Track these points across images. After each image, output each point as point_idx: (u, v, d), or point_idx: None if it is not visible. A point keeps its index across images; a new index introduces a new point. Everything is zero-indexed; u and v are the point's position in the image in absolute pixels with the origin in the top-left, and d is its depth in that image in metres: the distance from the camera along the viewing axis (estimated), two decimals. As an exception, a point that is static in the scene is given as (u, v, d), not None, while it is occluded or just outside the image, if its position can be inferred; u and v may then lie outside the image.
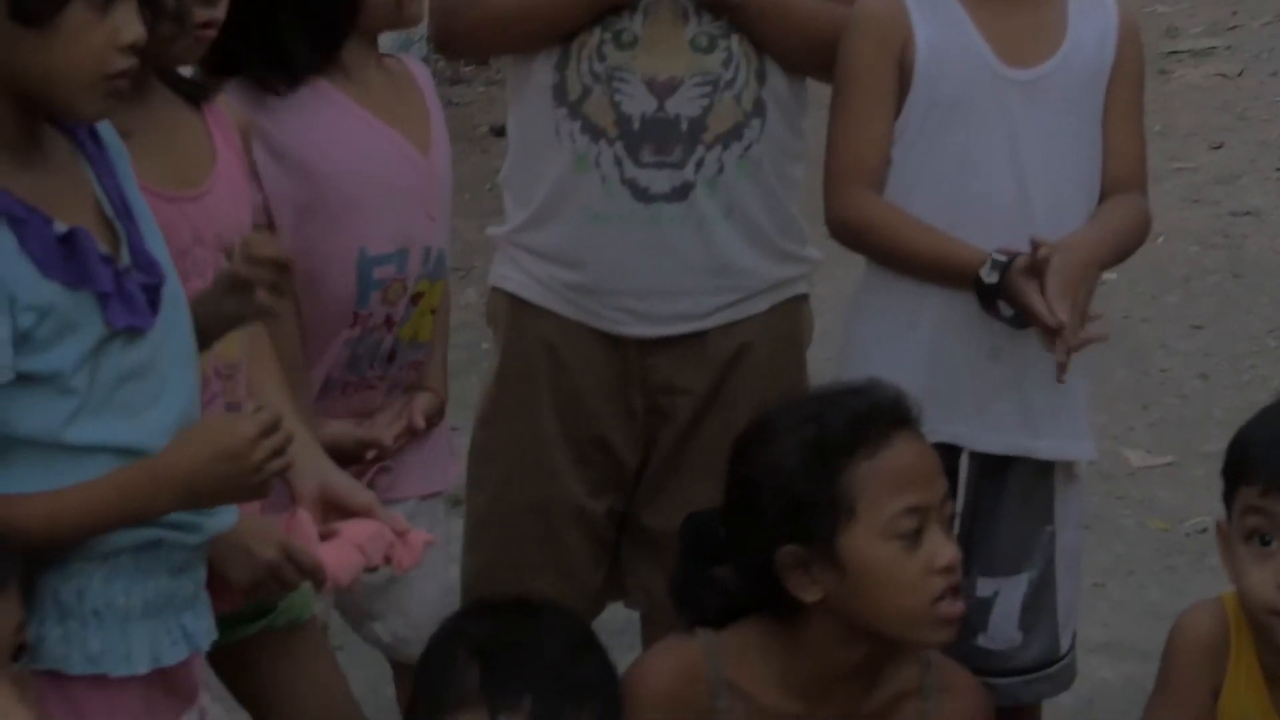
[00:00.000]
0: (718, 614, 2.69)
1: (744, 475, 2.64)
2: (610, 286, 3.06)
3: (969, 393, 2.95)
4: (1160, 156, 7.48)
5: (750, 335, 3.12)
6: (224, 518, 2.36)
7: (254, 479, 2.25)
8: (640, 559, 3.18)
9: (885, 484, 2.56)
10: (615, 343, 3.09)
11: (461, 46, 3.40)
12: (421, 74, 3.19)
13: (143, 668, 2.27)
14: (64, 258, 2.17)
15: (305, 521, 2.54)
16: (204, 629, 2.39)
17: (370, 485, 2.98)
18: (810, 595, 2.58)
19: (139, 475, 2.21)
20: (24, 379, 2.16)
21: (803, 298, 3.22)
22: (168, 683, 2.34)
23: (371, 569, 2.59)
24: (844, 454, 2.57)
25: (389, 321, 3.05)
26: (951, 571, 2.57)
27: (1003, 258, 2.84)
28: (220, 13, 2.60)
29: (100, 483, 2.20)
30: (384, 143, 3.01)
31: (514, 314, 3.15)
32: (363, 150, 2.98)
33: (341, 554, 2.53)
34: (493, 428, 3.18)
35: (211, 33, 2.60)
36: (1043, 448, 2.99)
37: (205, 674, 2.51)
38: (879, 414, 2.61)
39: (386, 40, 3.18)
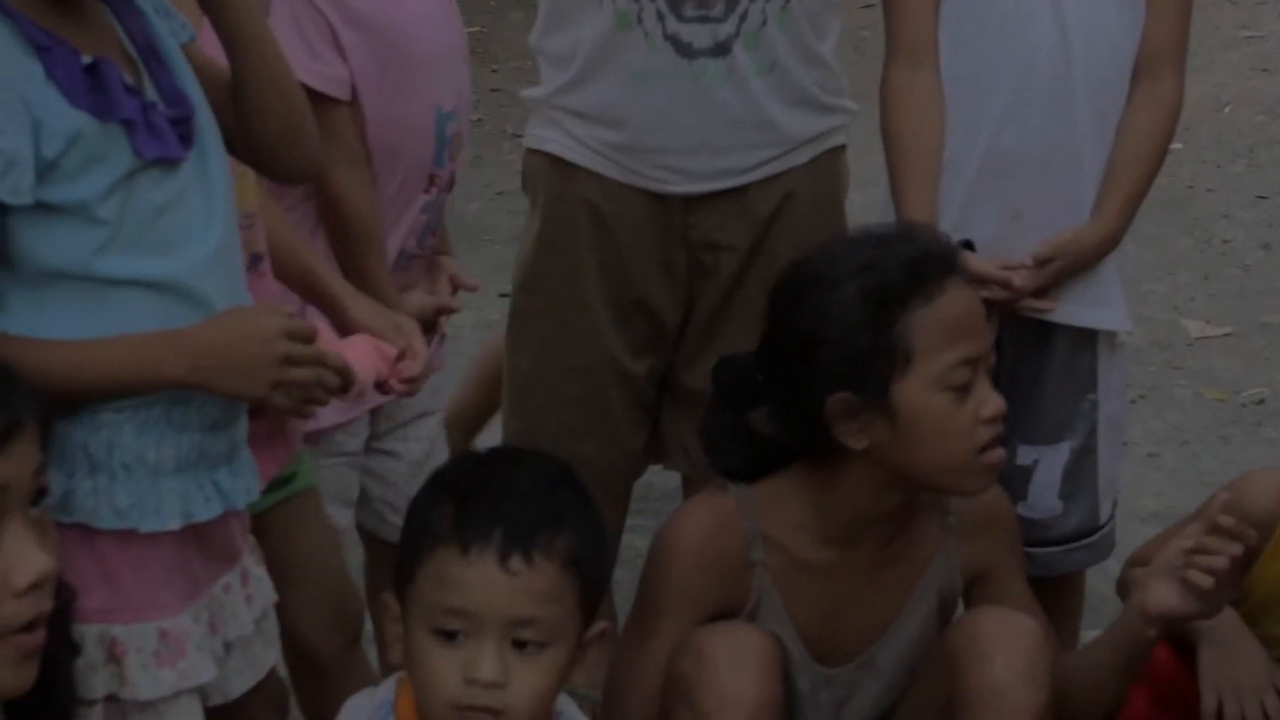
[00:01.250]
0: (747, 463, 2.70)
1: (792, 323, 2.63)
2: (653, 144, 3.05)
3: (991, 253, 2.94)
4: (1230, 24, 7.40)
5: (792, 187, 3.12)
6: None
7: (271, 372, 2.25)
8: (681, 420, 3.19)
9: (942, 333, 2.56)
10: (658, 201, 3.09)
11: None
12: None
13: (173, 523, 2.26)
14: (90, 88, 2.16)
15: (324, 329, 2.54)
16: (241, 488, 2.37)
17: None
18: (857, 443, 2.58)
19: (154, 337, 2.21)
20: (53, 209, 2.15)
21: (841, 148, 3.22)
22: (204, 542, 2.33)
23: (381, 383, 2.61)
24: (901, 302, 2.56)
25: (451, 181, 3.07)
26: (997, 421, 2.57)
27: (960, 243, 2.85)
28: None
29: (118, 339, 2.20)
30: None
31: (554, 175, 3.14)
32: (420, 4, 2.99)
33: (362, 353, 2.53)
34: (533, 293, 3.19)
35: None
36: (1068, 313, 2.98)
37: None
38: (933, 261, 2.60)
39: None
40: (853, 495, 2.64)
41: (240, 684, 2.42)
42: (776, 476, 2.70)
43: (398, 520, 3.11)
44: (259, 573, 2.48)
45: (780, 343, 2.64)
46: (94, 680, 2.23)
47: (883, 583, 2.72)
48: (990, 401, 2.57)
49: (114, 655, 2.25)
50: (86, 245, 2.17)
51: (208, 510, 2.31)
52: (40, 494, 1.83)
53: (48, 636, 1.87)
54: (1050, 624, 2.80)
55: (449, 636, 2.28)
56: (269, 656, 2.49)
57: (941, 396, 2.55)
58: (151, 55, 2.29)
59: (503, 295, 3.43)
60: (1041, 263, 2.92)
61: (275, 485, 2.70)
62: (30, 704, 1.89)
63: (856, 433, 2.58)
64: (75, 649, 2.03)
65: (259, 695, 2.47)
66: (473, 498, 2.31)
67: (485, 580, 2.26)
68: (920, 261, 2.58)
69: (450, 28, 3.06)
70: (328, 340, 2.53)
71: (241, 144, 2.39)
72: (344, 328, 2.74)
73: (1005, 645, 2.58)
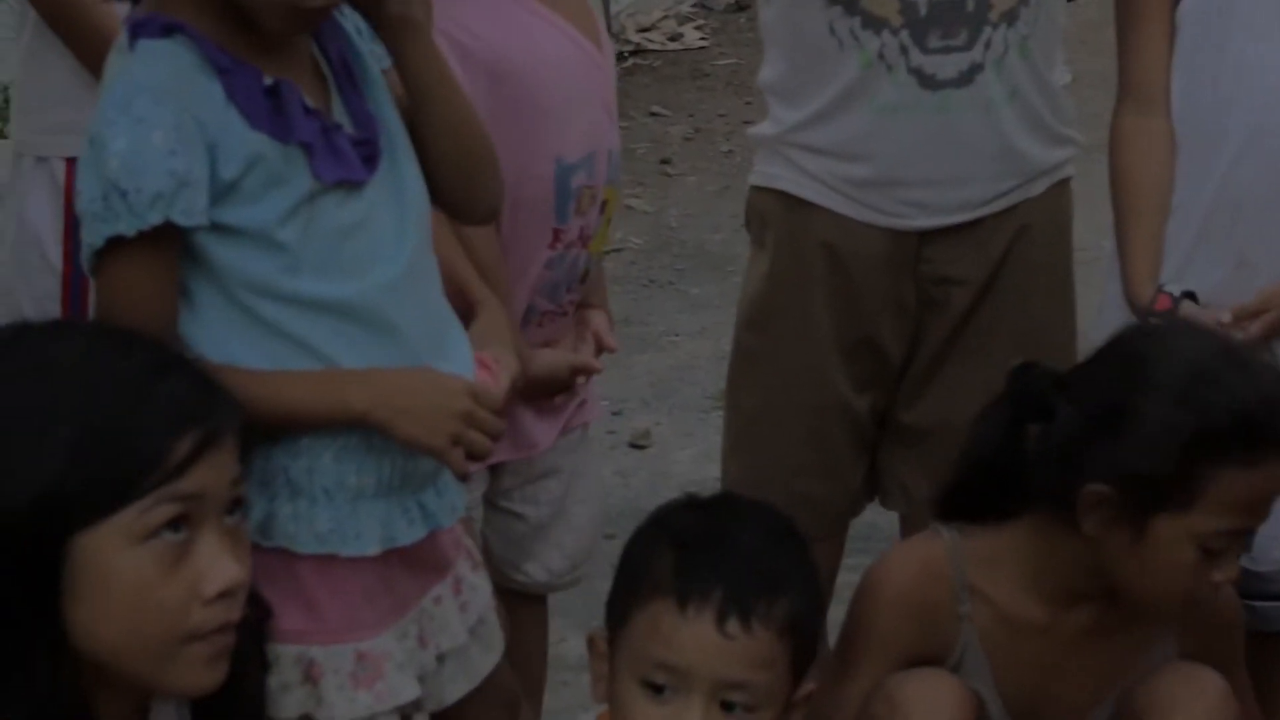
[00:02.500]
0: (979, 492, 2.64)
1: (1107, 385, 2.54)
2: (896, 178, 3.01)
3: (1215, 302, 2.86)
4: None
5: (1027, 220, 3.07)
6: (458, 369, 2.33)
7: (452, 425, 2.24)
8: (900, 458, 3.14)
9: (1236, 502, 2.47)
10: (894, 236, 3.04)
11: None
12: None
13: (373, 548, 2.26)
14: (271, 110, 2.18)
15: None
16: (447, 506, 2.36)
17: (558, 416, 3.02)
18: (1090, 530, 2.52)
19: (341, 373, 2.22)
20: (235, 232, 2.16)
21: (1069, 180, 3.16)
22: (410, 559, 2.33)
23: None
24: (1218, 454, 2.45)
25: (583, 236, 2.99)
26: (1225, 585, 2.54)
27: (1176, 293, 2.78)
28: None
29: (307, 373, 2.21)
30: (562, 37, 2.92)
31: (786, 213, 3.09)
32: (545, 46, 2.89)
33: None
34: (762, 331, 3.14)
35: None
36: None
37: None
38: (1270, 423, 2.48)
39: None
40: (1074, 565, 2.58)
41: (455, 691, 2.42)
42: (996, 529, 2.64)
43: (520, 576, 3.13)
44: (474, 579, 2.47)
45: (1090, 389, 2.57)
46: (289, 700, 2.24)
47: (1095, 653, 2.64)
48: (1231, 569, 2.51)
49: (310, 676, 2.26)
50: (270, 267, 2.18)
51: (410, 534, 2.31)
52: (236, 504, 1.85)
53: (239, 644, 1.88)
54: (1268, 688, 2.71)
55: (657, 689, 2.25)
56: (487, 661, 2.48)
57: (1192, 550, 2.48)
58: (346, 77, 2.29)
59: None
60: (1248, 316, 2.83)
61: None
62: (218, 709, 1.90)
63: (1097, 523, 2.52)
64: (266, 663, 2.04)
65: (484, 698, 2.47)
66: (694, 550, 2.28)
67: (700, 641, 2.24)
68: (1255, 418, 2.46)
69: (587, 75, 2.94)
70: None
71: (424, 179, 2.38)
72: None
73: (1187, 703, 2.52)
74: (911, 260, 3.05)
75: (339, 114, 2.26)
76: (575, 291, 3.03)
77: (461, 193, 2.40)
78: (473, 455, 2.29)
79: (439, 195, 2.39)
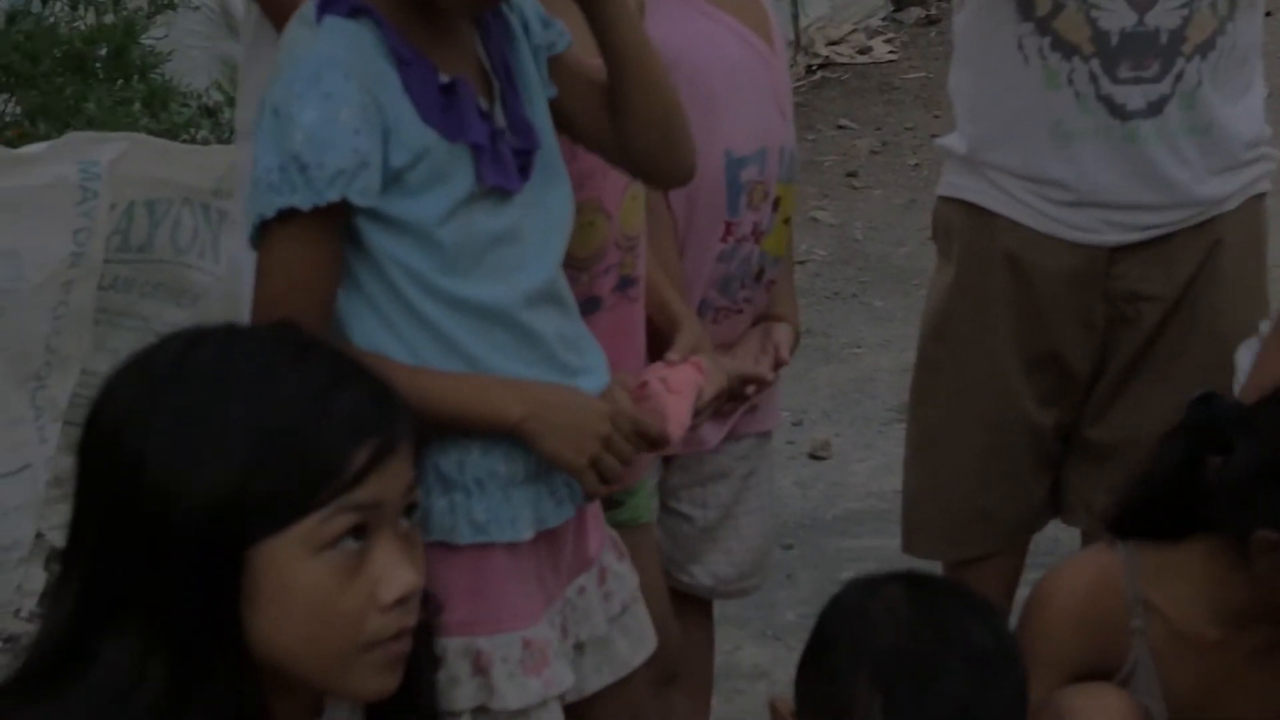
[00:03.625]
0: (1157, 513, 2.59)
1: None
2: (1083, 198, 2.98)
3: None
4: None
5: (1220, 234, 3.01)
6: (591, 380, 2.34)
7: (593, 446, 2.25)
8: (1084, 474, 3.08)
9: None
10: (1081, 251, 3.00)
11: None
12: None
13: (527, 533, 2.27)
14: (444, 107, 2.17)
15: (659, 391, 2.49)
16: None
17: (728, 421, 2.99)
18: (1263, 574, 2.48)
19: (499, 381, 2.23)
20: (394, 224, 2.16)
21: (1264, 195, 3.09)
22: (557, 548, 2.34)
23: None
24: None
25: (756, 232, 2.97)
26: None
27: None
28: None
29: (466, 377, 2.22)
30: (730, 34, 2.91)
31: (971, 224, 3.07)
32: (713, 42, 2.89)
33: (683, 409, 2.49)
34: (945, 341, 3.12)
35: None
36: None
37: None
38: None
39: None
40: (1246, 589, 2.53)
41: (597, 681, 2.42)
42: (1172, 546, 2.59)
43: (685, 578, 3.10)
44: (620, 568, 2.47)
45: (1272, 431, 2.51)
46: (460, 693, 2.25)
47: (1267, 673, 2.59)
48: None
49: (479, 667, 2.26)
50: (427, 263, 2.18)
51: (559, 514, 2.32)
52: (411, 508, 1.86)
53: (413, 646, 1.89)
54: None
55: None
56: (636, 653, 2.48)
57: None
58: (507, 80, 2.29)
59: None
60: None
61: (605, 506, 2.66)
62: (392, 708, 1.92)
63: (1268, 566, 2.47)
64: (438, 659, 2.05)
65: (615, 699, 2.46)
66: (901, 698, 2.16)
67: None
68: None
69: (757, 71, 2.93)
70: (658, 390, 2.50)
71: (618, 150, 2.38)
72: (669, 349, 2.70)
73: None
74: (1100, 276, 3.01)
75: (500, 119, 2.26)
76: (749, 288, 3.01)
77: (661, 153, 2.37)
78: (605, 478, 2.30)
79: (639, 160, 2.39)
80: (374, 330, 2.20)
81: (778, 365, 3.04)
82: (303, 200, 2.09)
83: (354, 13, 2.16)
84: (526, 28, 2.33)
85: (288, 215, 2.10)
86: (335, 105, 2.09)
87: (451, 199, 2.18)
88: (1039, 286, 3.01)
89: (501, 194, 2.22)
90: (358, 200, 2.11)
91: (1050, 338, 3.03)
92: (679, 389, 2.50)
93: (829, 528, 4.65)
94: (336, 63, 2.11)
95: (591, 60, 2.37)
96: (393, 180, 2.14)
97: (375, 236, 2.16)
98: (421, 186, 2.16)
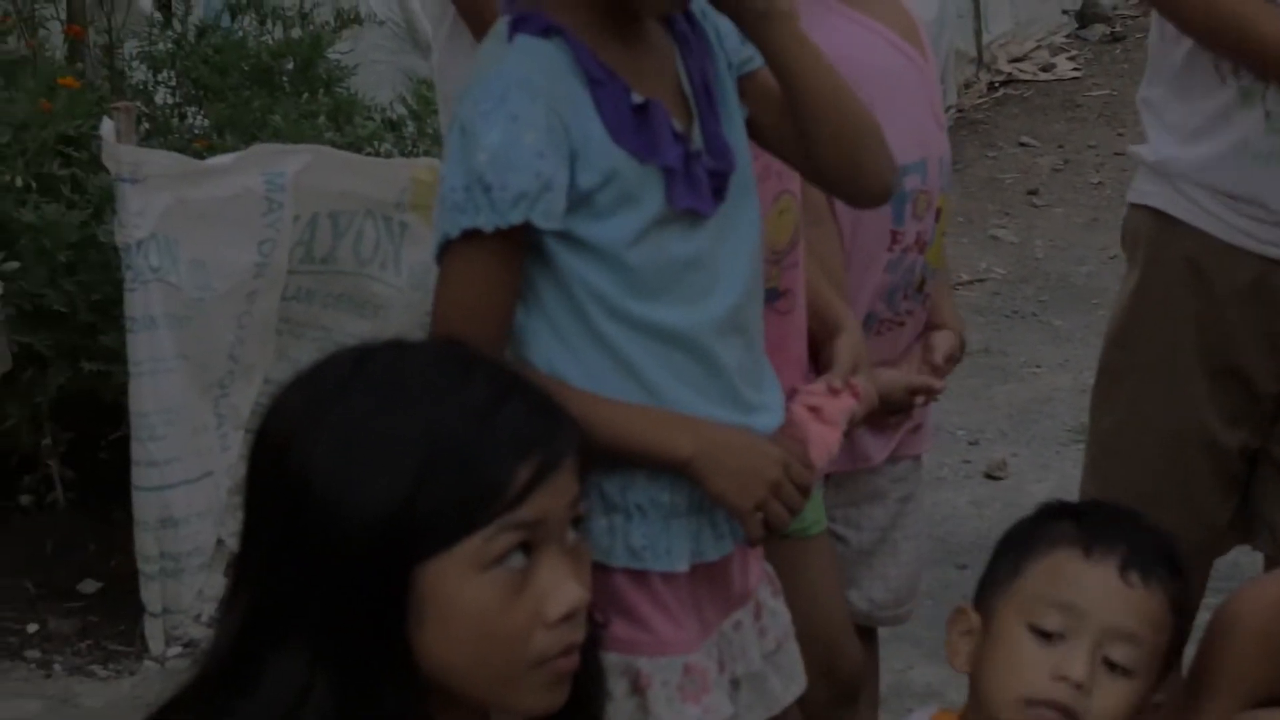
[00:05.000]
0: None
1: None
2: (1266, 217, 2.94)
3: None
4: None
5: None
6: (768, 417, 2.31)
7: (760, 491, 2.23)
8: (1273, 499, 3.03)
9: None
10: (1268, 265, 2.95)
11: None
12: None
13: (682, 565, 2.25)
14: (636, 127, 2.15)
15: (802, 416, 2.46)
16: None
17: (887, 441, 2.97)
18: None
19: (673, 415, 2.21)
20: (582, 245, 2.15)
21: None
22: (715, 579, 2.32)
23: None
24: None
25: (920, 241, 2.94)
26: None
27: None
28: None
29: (640, 408, 2.20)
30: (885, 43, 2.90)
31: (1156, 230, 3.02)
32: (869, 52, 2.85)
33: (825, 436, 2.48)
34: (1126, 348, 3.08)
35: None
36: None
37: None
38: None
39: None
40: None
41: (750, 718, 2.39)
42: None
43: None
44: (775, 605, 2.45)
45: None
46: (616, 711, 2.22)
47: None
48: None
49: (637, 687, 2.26)
50: (613, 285, 2.17)
51: (718, 549, 2.29)
52: (576, 522, 1.85)
53: (580, 661, 1.89)
54: None
55: (1045, 636, 2.23)
56: (788, 691, 2.46)
57: None
58: (706, 97, 2.25)
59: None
60: None
61: None
62: None
63: None
64: (603, 675, 2.05)
65: None
66: (1094, 518, 2.30)
67: (1103, 582, 2.23)
68: None
69: (912, 79, 2.91)
70: (802, 419, 2.47)
71: (809, 168, 2.35)
72: (828, 356, 2.69)
73: None
74: None
75: (696, 139, 2.23)
76: (912, 300, 2.99)
77: (850, 171, 2.32)
78: (770, 525, 2.27)
79: (833, 180, 2.35)
80: (552, 350, 2.19)
81: (936, 371, 3.02)
82: (486, 221, 2.09)
83: (546, 31, 2.14)
84: (722, 43, 2.30)
85: (471, 235, 2.10)
86: (520, 127, 2.08)
87: (641, 221, 2.16)
88: (1221, 296, 2.97)
89: (694, 217, 2.19)
90: (541, 223, 2.10)
91: (1233, 351, 2.98)
92: (833, 419, 2.48)
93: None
94: (524, 83, 2.10)
95: None
96: (581, 201, 2.13)
97: (563, 256, 2.15)
98: (610, 208, 2.15)
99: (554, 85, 2.11)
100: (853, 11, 2.89)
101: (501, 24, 2.18)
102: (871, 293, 2.92)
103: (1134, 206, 3.09)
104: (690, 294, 2.20)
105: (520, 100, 2.09)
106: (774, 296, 2.62)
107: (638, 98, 2.15)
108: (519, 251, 2.14)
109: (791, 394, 2.48)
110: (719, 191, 2.21)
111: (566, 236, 2.14)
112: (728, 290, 2.24)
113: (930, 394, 2.97)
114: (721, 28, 2.29)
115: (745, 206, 2.27)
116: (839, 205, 2.79)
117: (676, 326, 2.20)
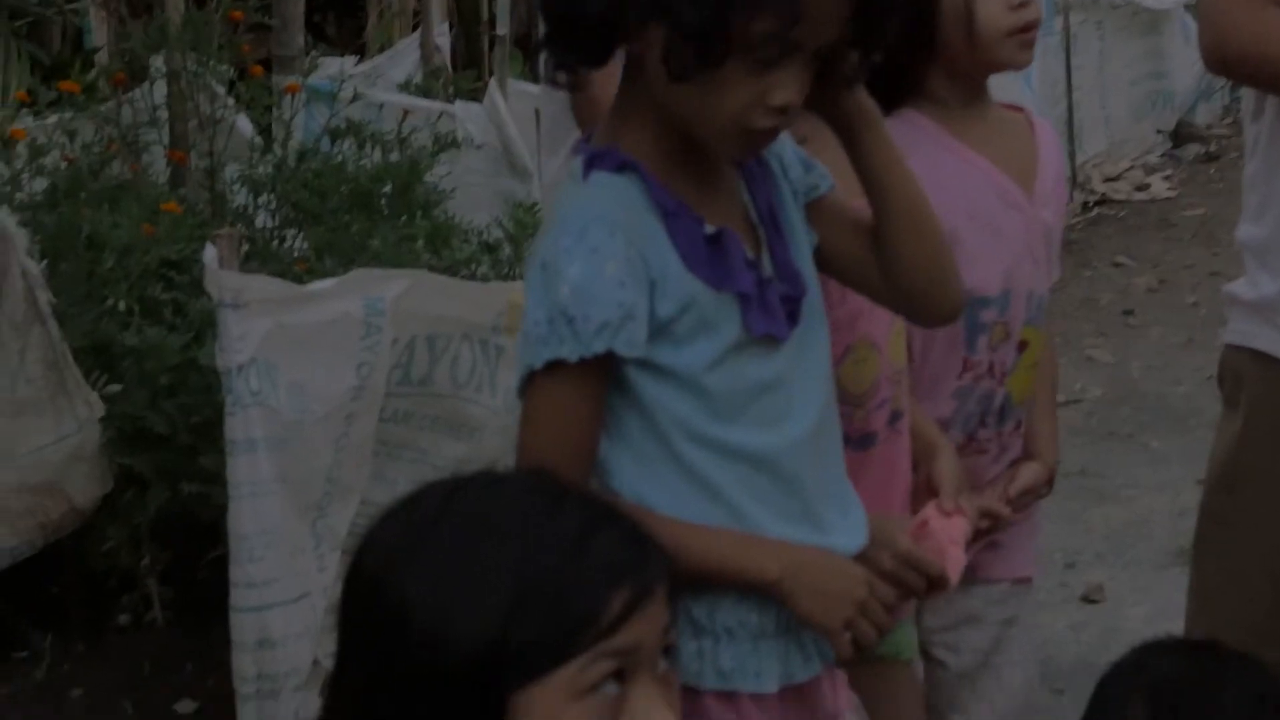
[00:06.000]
0: None
1: None
2: None
3: None
4: None
5: None
6: (850, 538, 2.33)
7: (847, 610, 2.24)
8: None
9: None
10: None
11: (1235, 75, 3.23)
12: (1045, 131, 3.09)
13: (772, 686, 2.27)
14: (710, 256, 2.19)
15: (939, 530, 2.47)
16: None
17: (972, 562, 2.95)
18: None
19: (758, 539, 2.24)
20: (662, 372, 2.19)
21: None
22: (803, 701, 2.33)
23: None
24: None
25: (994, 370, 2.96)
26: None
27: None
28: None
29: (725, 532, 2.23)
30: (980, 176, 2.93)
31: (1260, 373, 3.01)
32: (958, 182, 2.89)
33: (955, 556, 2.48)
34: (1233, 493, 3.06)
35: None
36: None
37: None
38: None
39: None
40: None
41: None
42: None
43: None
44: None
45: None
46: None
47: None
48: None
49: None
50: (695, 411, 2.20)
51: (806, 670, 2.31)
52: (668, 649, 1.86)
53: None
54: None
55: None
56: None
57: None
58: (773, 225, 2.30)
59: (1199, 482, 3.34)
60: None
61: None
62: None
63: None
64: None
65: None
66: (1169, 705, 2.18)
67: None
68: None
69: (1006, 218, 2.94)
70: (937, 530, 2.48)
71: (884, 288, 2.37)
72: (928, 475, 2.69)
73: None
74: None
75: (767, 266, 2.27)
76: (991, 428, 3.00)
77: (924, 286, 2.35)
78: (858, 643, 2.29)
79: (905, 297, 2.37)
80: (636, 478, 2.22)
81: (1012, 501, 3.00)
82: (570, 352, 2.13)
83: (621, 168, 2.20)
84: (786, 173, 2.35)
85: (554, 366, 2.14)
86: (601, 260, 2.13)
87: (719, 347, 2.20)
88: None
89: (771, 341, 2.24)
90: (624, 351, 2.14)
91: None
92: (956, 539, 2.49)
93: (1103, 673, 4.57)
94: (602, 218, 2.15)
95: (855, 201, 2.38)
96: (660, 330, 2.17)
97: (644, 384, 2.19)
98: (689, 335, 2.19)
99: (630, 219, 2.17)
100: (960, 145, 2.93)
101: (576, 163, 2.24)
102: (941, 412, 2.93)
103: (1233, 347, 3.07)
104: (769, 417, 2.24)
105: (599, 234, 2.14)
106: (897, 417, 2.67)
107: (710, 228, 2.20)
108: (602, 382, 2.18)
109: (920, 522, 2.50)
110: (792, 316, 2.25)
111: (647, 364, 2.18)
112: (804, 412, 2.27)
113: (996, 520, 2.96)
114: (785, 156, 2.34)
115: (817, 330, 2.31)
116: (912, 329, 2.80)
117: (757, 449, 2.23)
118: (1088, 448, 6.07)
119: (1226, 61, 3.00)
